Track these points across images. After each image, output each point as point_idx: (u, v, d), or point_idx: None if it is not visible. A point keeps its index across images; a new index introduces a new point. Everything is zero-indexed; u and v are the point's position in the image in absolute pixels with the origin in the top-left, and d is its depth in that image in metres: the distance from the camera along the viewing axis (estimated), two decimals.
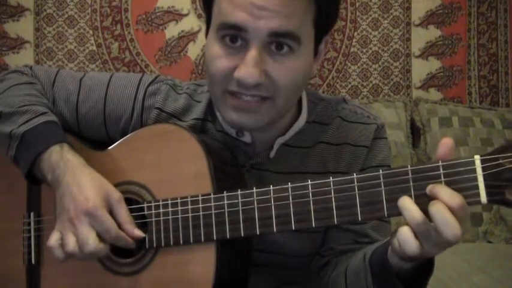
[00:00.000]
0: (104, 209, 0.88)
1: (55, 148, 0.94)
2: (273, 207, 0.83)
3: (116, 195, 0.90)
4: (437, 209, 0.70)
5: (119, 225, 0.88)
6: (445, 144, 0.73)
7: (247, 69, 0.85)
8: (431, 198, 0.72)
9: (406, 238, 0.73)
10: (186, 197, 0.88)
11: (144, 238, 0.90)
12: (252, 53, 0.85)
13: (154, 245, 0.91)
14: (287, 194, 0.82)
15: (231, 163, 0.97)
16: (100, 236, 0.87)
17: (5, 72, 1.11)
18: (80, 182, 0.90)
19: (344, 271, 0.94)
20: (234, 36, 0.86)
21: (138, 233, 0.89)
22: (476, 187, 0.71)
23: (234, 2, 0.84)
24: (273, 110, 0.90)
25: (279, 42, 0.86)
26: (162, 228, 0.90)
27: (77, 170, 0.91)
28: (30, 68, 1.09)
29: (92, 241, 0.86)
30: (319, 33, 0.91)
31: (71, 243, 0.87)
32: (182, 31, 2.57)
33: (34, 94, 1.02)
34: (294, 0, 0.84)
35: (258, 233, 0.84)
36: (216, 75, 0.89)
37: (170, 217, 0.89)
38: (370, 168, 1.01)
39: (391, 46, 2.65)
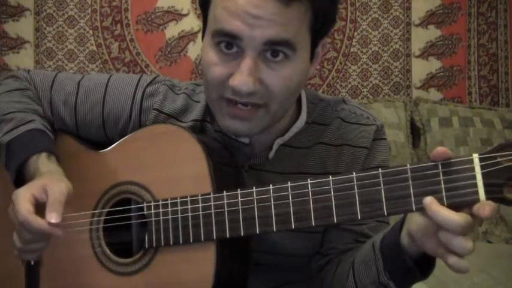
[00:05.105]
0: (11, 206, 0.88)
1: (33, 159, 0.94)
2: (272, 206, 0.83)
3: (55, 187, 0.87)
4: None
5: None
6: (441, 156, 0.73)
7: (242, 77, 0.85)
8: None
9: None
10: (186, 197, 0.89)
11: (144, 236, 0.90)
12: (247, 62, 0.85)
13: (154, 244, 0.90)
14: (287, 193, 0.82)
15: (230, 163, 0.97)
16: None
17: (3, 77, 1.11)
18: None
19: (351, 264, 0.94)
20: (229, 43, 0.86)
21: (52, 216, 0.85)
22: (475, 185, 0.71)
23: (228, 10, 0.84)
24: (267, 117, 0.91)
25: (274, 50, 0.86)
26: (161, 228, 0.90)
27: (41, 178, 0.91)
28: (28, 72, 1.09)
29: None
30: (315, 37, 0.91)
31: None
32: (182, 31, 2.57)
33: (23, 101, 1.02)
34: (290, 9, 0.84)
35: (257, 232, 0.84)
36: (211, 82, 0.89)
37: (170, 217, 0.89)
38: (369, 169, 1.01)
39: (391, 46, 2.65)
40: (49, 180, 0.89)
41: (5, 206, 1.05)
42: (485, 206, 0.70)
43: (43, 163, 0.94)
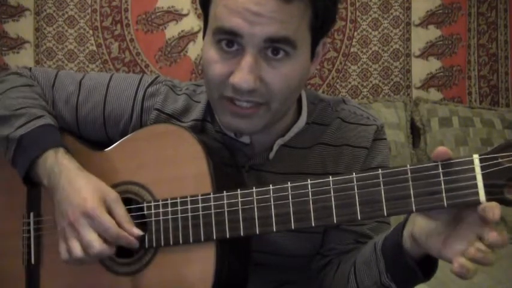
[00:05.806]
0: (102, 208, 0.88)
1: (50, 153, 0.94)
2: (272, 206, 0.83)
3: (112, 194, 0.90)
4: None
5: (118, 225, 0.89)
6: (441, 156, 0.74)
7: (242, 75, 0.85)
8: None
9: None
10: (186, 197, 0.89)
11: (144, 236, 0.90)
12: (247, 59, 0.85)
13: (154, 244, 0.91)
14: (286, 193, 0.82)
15: (230, 164, 0.97)
16: (103, 237, 0.87)
17: (4, 73, 1.10)
18: (76, 185, 0.90)
19: (352, 265, 0.94)
20: (229, 40, 0.86)
21: (137, 231, 0.89)
22: (475, 186, 0.71)
23: (229, 7, 0.84)
24: (268, 115, 0.91)
25: (274, 47, 0.86)
26: (161, 228, 0.90)
27: (71, 174, 0.92)
28: (30, 69, 1.10)
29: (95, 243, 0.86)
30: (316, 36, 0.91)
31: (77, 249, 0.88)
32: (182, 31, 2.57)
33: (32, 96, 1.02)
34: (290, 6, 0.84)
35: (257, 232, 0.84)
36: (212, 80, 0.89)
37: (170, 217, 0.90)
38: (370, 169, 1.01)
39: (391, 46, 2.65)
40: (102, 188, 0.91)
41: (4, 206, 1.06)
42: (494, 209, 0.70)
43: (64, 157, 0.94)
